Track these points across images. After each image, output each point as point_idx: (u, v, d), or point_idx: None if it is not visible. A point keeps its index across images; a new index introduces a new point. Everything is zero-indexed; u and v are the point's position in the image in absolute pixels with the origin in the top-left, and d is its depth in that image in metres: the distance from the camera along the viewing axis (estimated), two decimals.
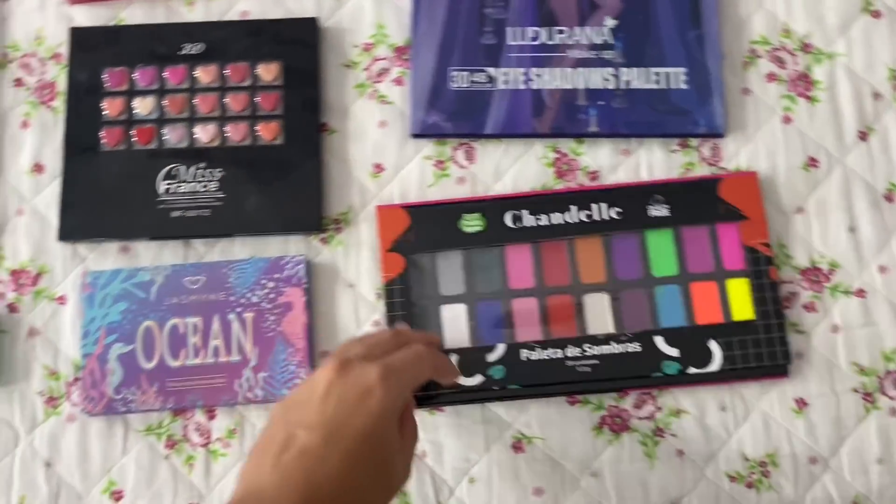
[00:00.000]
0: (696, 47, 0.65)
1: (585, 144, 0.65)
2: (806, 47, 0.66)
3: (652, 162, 0.64)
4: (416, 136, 0.64)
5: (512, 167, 0.64)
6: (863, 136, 0.64)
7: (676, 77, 0.64)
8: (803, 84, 0.65)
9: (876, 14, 0.66)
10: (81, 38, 0.65)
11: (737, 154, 0.64)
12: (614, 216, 0.62)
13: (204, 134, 0.63)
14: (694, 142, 0.64)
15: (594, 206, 0.62)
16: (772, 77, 0.66)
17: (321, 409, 0.44)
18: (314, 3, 0.67)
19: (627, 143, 0.65)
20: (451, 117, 0.64)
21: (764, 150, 0.64)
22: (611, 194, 0.62)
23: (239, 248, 0.63)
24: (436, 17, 0.66)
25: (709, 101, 0.64)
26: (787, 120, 0.65)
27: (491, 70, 0.65)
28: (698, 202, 0.62)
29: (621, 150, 0.64)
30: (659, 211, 0.62)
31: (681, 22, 0.65)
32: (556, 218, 0.62)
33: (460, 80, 0.65)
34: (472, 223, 0.62)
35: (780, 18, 0.66)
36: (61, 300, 0.62)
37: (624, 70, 0.64)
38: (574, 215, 0.62)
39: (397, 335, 0.52)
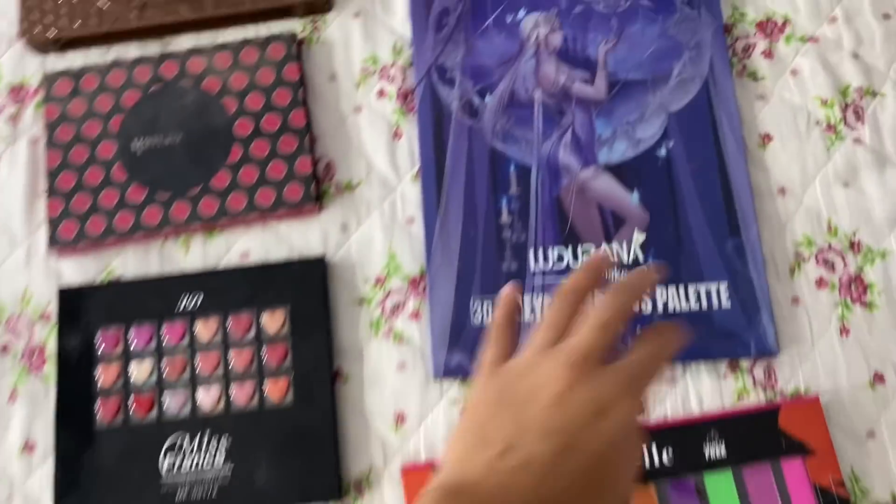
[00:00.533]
0: (735, 258, 0.59)
1: None
2: (854, 246, 0.61)
3: (701, 390, 0.58)
4: (439, 379, 0.59)
5: None
6: None
7: (718, 293, 0.59)
8: (857, 288, 0.60)
9: None
10: (70, 299, 0.60)
11: (793, 375, 0.58)
12: (668, 459, 0.56)
13: (207, 398, 0.58)
14: (745, 363, 0.59)
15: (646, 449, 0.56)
16: (822, 283, 0.60)
17: (551, 416, 0.38)
18: (319, 237, 0.62)
19: (672, 371, 0.59)
20: (476, 356, 0.59)
21: (823, 368, 0.58)
22: (662, 434, 0.56)
23: None
24: (450, 244, 0.61)
25: (756, 318, 0.58)
26: (844, 331, 0.59)
27: None
28: (758, 436, 0.56)
29: (668, 378, 0.59)
30: (716, 449, 0.56)
31: (717, 230, 0.60)
32: None
33: (483, 313, 0.59)
34: None
35: (823, 215, 0.61)
36: None
37: (659, 290, 0.59)
38: None
39: (622, 310, 0.43)
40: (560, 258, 0.60)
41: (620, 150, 0.63)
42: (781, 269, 0.60)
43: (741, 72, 0.65)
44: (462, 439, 0.41)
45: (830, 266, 0.60)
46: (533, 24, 0.65)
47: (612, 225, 0.61)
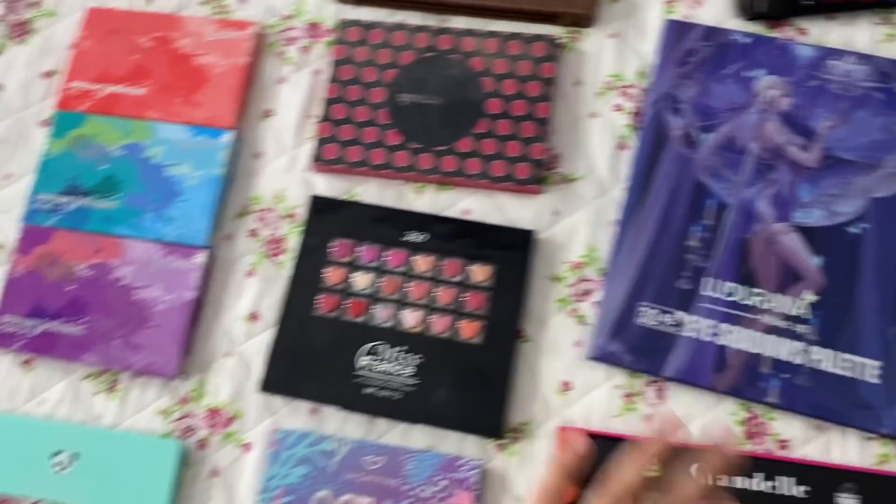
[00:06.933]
0: (894, 345, 0.64)
1: (779, 410, 0.65)
2: None
3: (845, 445, 0.63)
4: (593, 359, 0.66)
5: (701, 416, 0.65)
6: None
7: (869, 369, 0.64)
8: None
9: None
10: (319, 207, 0.71)
11: None
12: (800, 494, 0.61)
13: (410, 318, 0.67)
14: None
15: (780, 478, 0.61)
16: None
17: None
18: (533, 213, 0.71)
19: (823, 421, 0.64)
20: (632, 351, 0.65)
21: None
22: (799, 470, 0.62)
23: (417, 434, 0.65)
24: (636, 250, 0.68)
25: None
26: None
27: (680, 314, 0.66)
28: (893, 499, 0.61)
29: (815, 426, 0.64)
30: (848, 501, 0.61)
31: (884, 315, 0.65)
32: (738, 482, 0.61)
33: (647, 316, 0.66)
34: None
35: None
36: (247, 447, 0.65)
37: (815, 348, 0.65)
38: (758, 483, 0.61)
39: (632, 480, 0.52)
40: (731, 293, 0.66)
41: (815, 216, 0.69)
42: None
43: None
44: None
45: None
46: (767, 84, 0.72)
47: (790, 278, 0.67)
